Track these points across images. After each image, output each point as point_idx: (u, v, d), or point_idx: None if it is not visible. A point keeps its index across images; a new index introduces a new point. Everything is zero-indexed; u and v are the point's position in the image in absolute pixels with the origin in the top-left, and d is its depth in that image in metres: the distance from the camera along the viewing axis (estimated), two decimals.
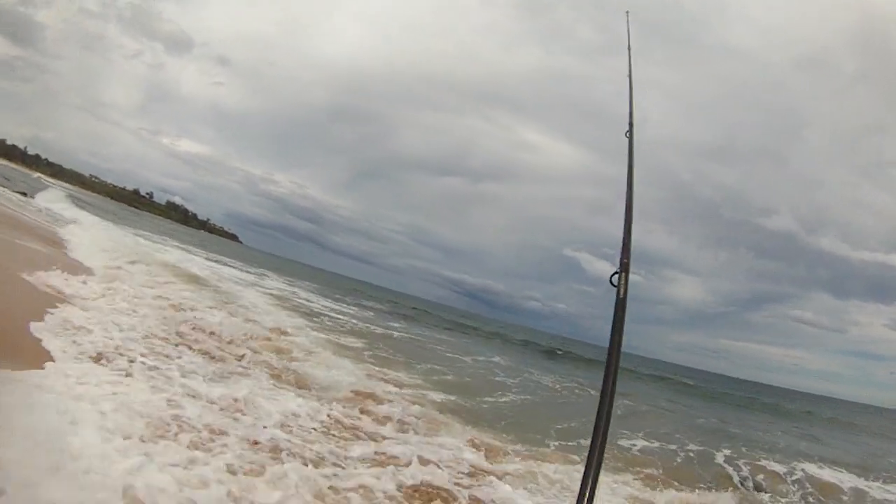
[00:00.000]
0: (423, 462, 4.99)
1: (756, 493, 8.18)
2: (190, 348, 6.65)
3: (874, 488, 9.72)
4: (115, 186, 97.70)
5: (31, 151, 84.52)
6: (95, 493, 2.73)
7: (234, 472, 3.56)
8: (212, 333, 7.94)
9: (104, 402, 3.88)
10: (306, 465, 4.08)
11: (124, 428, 3.59)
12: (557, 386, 15.50)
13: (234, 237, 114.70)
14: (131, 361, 5.15)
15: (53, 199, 25.33)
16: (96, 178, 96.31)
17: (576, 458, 7.02)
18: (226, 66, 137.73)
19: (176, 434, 3.84)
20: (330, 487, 3.88)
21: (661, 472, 7.57)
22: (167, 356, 5.85)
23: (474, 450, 6.13)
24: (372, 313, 24.68)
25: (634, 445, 8.60)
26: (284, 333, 10.22)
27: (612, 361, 2.26)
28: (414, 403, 7.70)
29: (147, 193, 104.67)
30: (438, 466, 5.08)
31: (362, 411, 6.38)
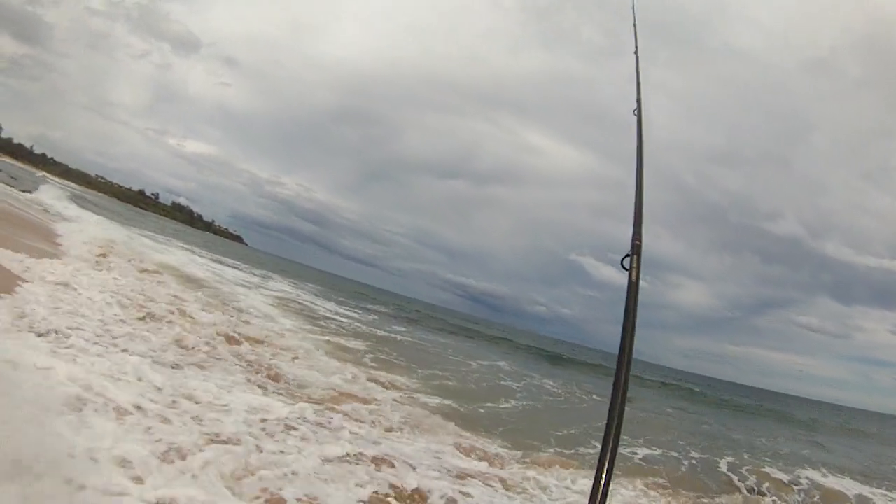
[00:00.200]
0: (382, 462, 4.88)
1: (761, 500, 8.13)
2: (154, 335, 6.61)
3: (878, 496, 9.67)
4: (120, 187, 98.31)
5: (37, 150, 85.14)
6: None
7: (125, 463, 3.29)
8: (192, 324, 7.95)
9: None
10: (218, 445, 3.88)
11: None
12: (561, 391, 15.45)
13: (238, 238, 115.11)
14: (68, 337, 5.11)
15: (53, 197, 25.02)
16: (102, 177, 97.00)
17: (574, 462, 7.01)
18: (233, 66, 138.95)
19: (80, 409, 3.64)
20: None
21: (664, 480, 7.51)
22: (119, 337, 5.87)
23: (463, 454, 6.05)
24: (375, 316, 24.69)
25: (636, 454, 8.51)
26: (278, 334, 10.22)
27: (625, 352, 2.07)
28: (404, 405, 7.66)
29: (153, 194, 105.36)
30: (411, 467, 4.98)
31: (336, 411, 6.21)
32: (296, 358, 8.69)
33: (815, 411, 35.84)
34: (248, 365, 7.07)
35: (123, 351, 5.38)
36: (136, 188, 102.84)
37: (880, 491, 10.38)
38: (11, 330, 4.83)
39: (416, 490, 4.49)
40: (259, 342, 8.75)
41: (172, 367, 5.58)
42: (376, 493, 4.16)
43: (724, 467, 9.26)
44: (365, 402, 7.20)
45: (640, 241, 2.22)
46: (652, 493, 6.82)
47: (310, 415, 5.44)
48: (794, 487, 9.07)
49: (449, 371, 12.47)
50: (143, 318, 7.25)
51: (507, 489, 5.38)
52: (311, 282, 38.69)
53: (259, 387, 6.15)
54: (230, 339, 8.15)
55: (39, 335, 4.91)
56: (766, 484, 8.83)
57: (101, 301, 7.20)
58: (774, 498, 8.27)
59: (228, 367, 6.55)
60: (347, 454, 4.66)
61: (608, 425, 2.06)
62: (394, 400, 7.83)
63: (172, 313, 8.22)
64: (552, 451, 7.55)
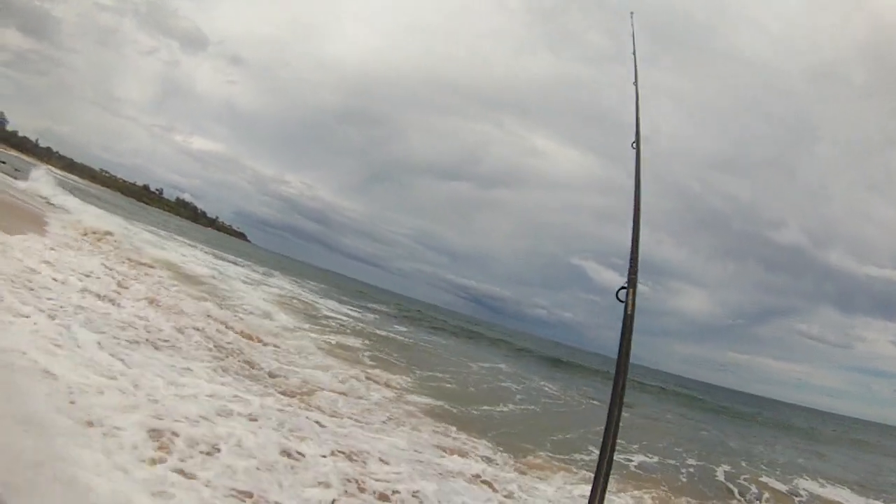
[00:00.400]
0: (349, 455, 4.83)
1: None
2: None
3: None
4: (125, 182, 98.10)
5: (42, 144, 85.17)
6: None
7: None
8: (171, 312, 7.92)
9: None
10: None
11: None
12: (560, 395, 15.43)
13: (242, 236, 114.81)
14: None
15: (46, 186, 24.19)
16: (107, 172, 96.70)
17: (566, 468, 6.97)
18: (240, 65, 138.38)
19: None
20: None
21: (660, 489, 7.46)
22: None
23: (446, 453, 5.96)
24: (376, 316, 24.67)
25: (632, 461, 8.42)
26: (270, 331, 10.14)
27: (620, 381, 2.10)
28: (392, 403, 7.57)
29: (157, 189, 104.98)
30: (383, 462, 4.95)
31: (309, 403, 6.13)
32: (277, 347, 8.68)
33: (814, 420, 35.77)
34: (219, 349, 7.06)
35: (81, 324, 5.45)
36: (140, 183, 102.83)
37: (877, 502, 10.36)
38: None
39: (384, 483, 4.48)
40: (248, 336, 8.69)
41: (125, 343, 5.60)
42: (327, 483, 4.11)
43: (721, 476, 9.23)
44: (344, 395, 7.14)
45: (636, 273, 2.22)
46: (647, 501, 6.80)
47: (271, 403, 5.38)
48: (795, 499, 9.06)
49: (449, 373, 12.43)
50: (113, 297, 7.34)
51: (491, 490, 5.34)
52: (313, 280, 38.71)
53: (224, 371, 6.09)
54: (212, 326, 8.17)
55: None
56: (766, 494, 8.81)
57: (76, 278, 7.34)
58: None
59: (198, 352, 6.50)
60: (302, 443, 4.63)
61: (602, 447, 2.06)
62: (383, 397, 7.76)
63: (152, 301, 8.19)
64: (546, 455, 7.49)
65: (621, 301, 2.15)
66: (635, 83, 3.23)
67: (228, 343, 7.68)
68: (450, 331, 30.52)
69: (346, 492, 4.10)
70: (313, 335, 11.41)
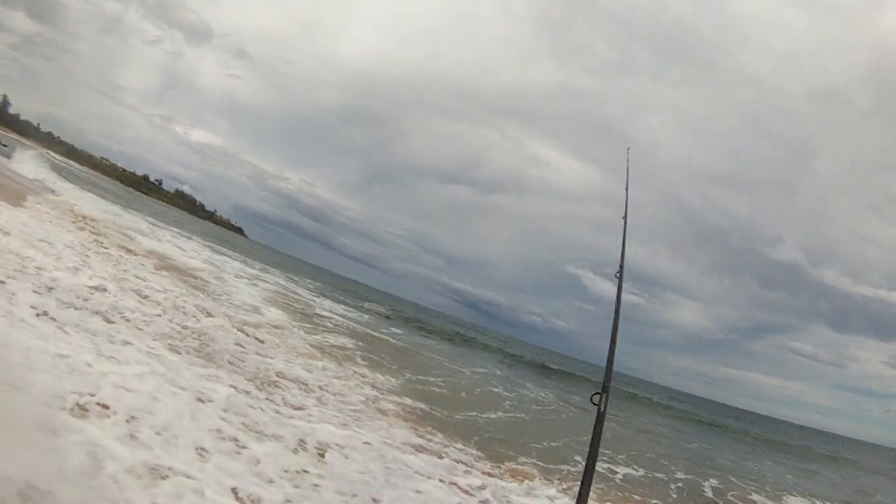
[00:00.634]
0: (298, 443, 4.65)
1: None
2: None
3: None
4: (124, 170, 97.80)
5: (43, 128, 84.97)
6: None
7: None
8: (138, 294, 7.68)
9: None
10: None
11: None
12: (550, 403, 15.34)
13: (239, 230, 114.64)
14: None
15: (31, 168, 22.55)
16: (107, 160, 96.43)
17: (546, 475, 6.85)
18: (244, 59, 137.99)
19: None
20: None
21: (648, 501, 7.38)
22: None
23: (414, 452, 5.76)
24: (370, 316, 24.62)
25: (617, 472, 8.26)
26: (254, 324, 9.82)
27: (590, 464, 2.58)
28: (369, 401, 7.31)
29: (156, 180, 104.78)
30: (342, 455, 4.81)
31: (269, 393, 5.90)
32: (256, 339, 8.42)
33: (803, 437, 35.73)
34: (183, 332, 6.79)
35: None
36: (140, 173, 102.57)
37: None
38: None
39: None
40: (222, 325, 8.35)
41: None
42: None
43: (709, 491, 9.16)
44: (320, 389, 6.92)
45: (610, 380, 2.69)
46: None
47: (222, 389, 5.13)
48: None
49: (442, 377, 12.33)
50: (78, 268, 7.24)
51: (459, 489, 5.23)
52: (308, 277, 38.65)
53: (174, 350, 5.87)
54: (183, 310, 7.94)
55: None
56: None
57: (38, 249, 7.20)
58: None
59: (150, 329, 6.24)
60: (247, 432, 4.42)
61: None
62: (365, 396, 7.54)
63: (119, 280, 7.94)
64: (528, 461, 7.31)
65: (595, 404, 2.62)
66: (624, 217, 3.15)
67: (197, 327, 7.39)
68: (443, 335, 30.46)
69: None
70: (302, 333, 11.21)
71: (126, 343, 5.21)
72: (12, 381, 3.41)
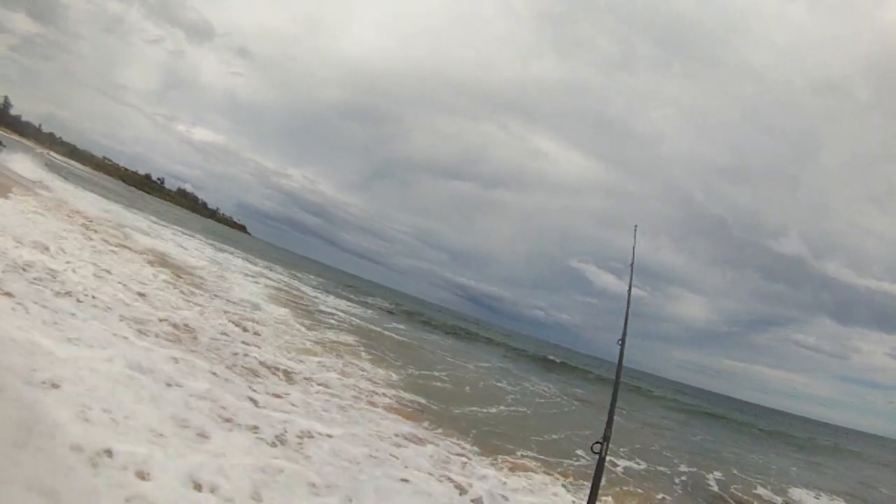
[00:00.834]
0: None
1: None
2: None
3: None
4: (127, 170, 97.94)
5: (45, 129, 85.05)
6: None
7: None
8: (119, 282, 7.71)
9: None
10: None
11: None
12: (553, 397, 15.31)
13: (242, 228, 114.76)
14: None
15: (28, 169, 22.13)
16: (109, 159, 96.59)
17: (547, 469, 6.81)
18: (245, 57, 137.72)
19: None
20: None
21: (650, 494, 7.35)
22: None
23: (404, 443, 5.68)
24: (373, 312, 24.61)
25: (618, 466, 8.20)
26: (252, 319, 9.77)
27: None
28: (363, 394, 7.25)
29: (159, 179, 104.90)
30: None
31: (250, 381, 5.85)
32: (247, 332, 8.38)
33: (807, 429, 35.68)
34: (156, 317, 6.72)
35: None
36: (142, 172, 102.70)
37: None
38: None
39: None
40: (209, 316, 8.37)
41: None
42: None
43: (713, 483, 9.12)
44: (309, 380, 6.85)
45: (611, 429, 2.68)
46: None
47: (201, 375, 5.06)
48: None
49: (446, 372, 12.31)
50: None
51: (450, 482, 5.13)
52: (311, 273, 38.66)
53: (143, 334, 5.76)
54: (164, 297, 7.89)
55: None
56: None
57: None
58: None
59: (121, 311, 6.20)
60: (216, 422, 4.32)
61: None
62: (363, 389, 7.49)
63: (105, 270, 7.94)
64: (528, 454, 7.26)
65: (595, 453, 2.61)
66: (629, 290, 3.14)
67: (180, 316, 7.30)
68: (447, 329, 30.44)
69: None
70: (303, 329, 11.18)
71: (89, 321, 5.20)
72: None
